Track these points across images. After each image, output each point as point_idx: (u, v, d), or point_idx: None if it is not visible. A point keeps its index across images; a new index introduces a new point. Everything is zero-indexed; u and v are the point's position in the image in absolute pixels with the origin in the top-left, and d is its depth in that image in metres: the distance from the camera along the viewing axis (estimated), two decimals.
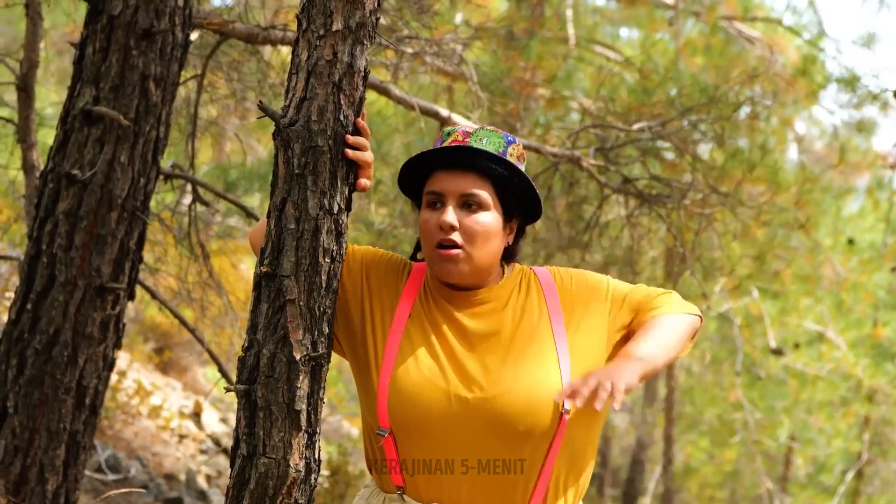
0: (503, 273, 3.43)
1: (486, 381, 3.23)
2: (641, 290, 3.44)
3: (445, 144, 3.35)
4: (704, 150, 10.22)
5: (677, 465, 22.43)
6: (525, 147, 8.57)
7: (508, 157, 3.32)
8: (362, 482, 11.67)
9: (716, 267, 11.07)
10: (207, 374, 15.70)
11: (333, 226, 3.30)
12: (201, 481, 11.18)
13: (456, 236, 3.28)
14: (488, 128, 3.38)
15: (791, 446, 21.45)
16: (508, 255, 3.44)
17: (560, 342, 3.29)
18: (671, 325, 3.32)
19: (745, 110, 10.12)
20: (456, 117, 8.40)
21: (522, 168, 3.36)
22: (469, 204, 3.29)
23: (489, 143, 3.31)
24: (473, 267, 3.31)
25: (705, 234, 10.11)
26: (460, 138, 3.34)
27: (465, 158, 3.30)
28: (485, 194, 3.29)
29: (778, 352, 16.55)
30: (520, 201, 3.36)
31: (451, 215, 3.28)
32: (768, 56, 11.44)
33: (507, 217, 3.36)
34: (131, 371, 12.71)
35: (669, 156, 9.98)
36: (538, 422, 3.19)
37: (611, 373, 3.01)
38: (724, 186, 9.72)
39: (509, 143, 3.35)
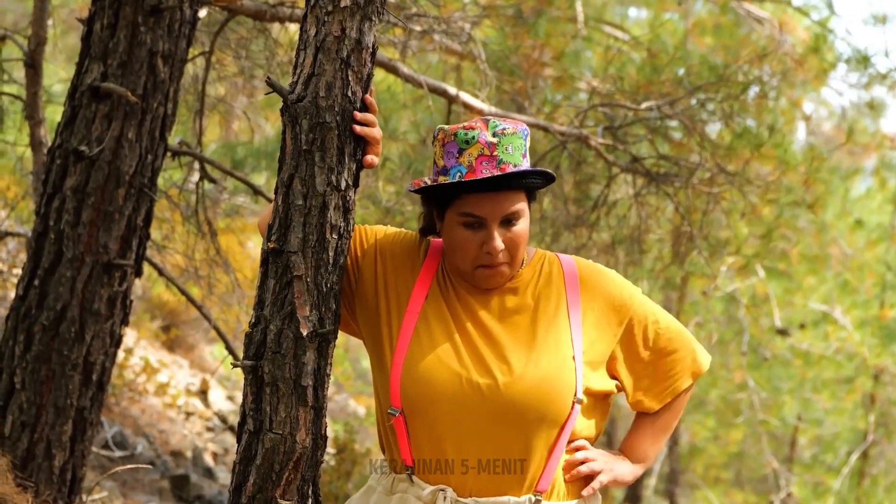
0: (524, 256, 3.45)
1: (500, 367, 3.23)
2: (661, 333, 3.47)
3: (468, 155, 3.30)
4: (712, 129, 10.20)
5: (683, 446, 22.45)
6: (533, 126, 8.60)
7: (529, 153, 3.34)
8: (368, 461, 11.70)
9: (723, 246, 11.06)
10: (214, 352, 15.72)
11: (341, 202, 3.30)
12: (208, 458, 11.20)
13: (504, 255, 3.32)
14: (506, 126, 3.33)
15: (797, 426, 21.45)
16: None
17: (576, 335, 3.31)
18: (679, 409, 3.56)
19: (753, 90, 10.09)
20: (464, 95, 8.39)
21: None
22: (510, 220, 3.31)
23: (514, 149, 3.29)
24: (514, 270, 3.37)
25: (713, 213, 10.10)
26: (487, 152, 3.28)
27: (505, 183, 3.29)
28: (522, 205, 3.32)
29: (784, 332, 16.55)
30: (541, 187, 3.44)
31: (499, 241, 3.29)
32: (777, 36, 11.41)
33: (530, 205, 3.41)
34: (138, 348, 12.72)
35: (677, 135, 9.96)
36: (549, 411, 3.21)
37: (614, 471, 3.44)
38: (731, 165, 9.71)
39: (525, 136, 3.35)
